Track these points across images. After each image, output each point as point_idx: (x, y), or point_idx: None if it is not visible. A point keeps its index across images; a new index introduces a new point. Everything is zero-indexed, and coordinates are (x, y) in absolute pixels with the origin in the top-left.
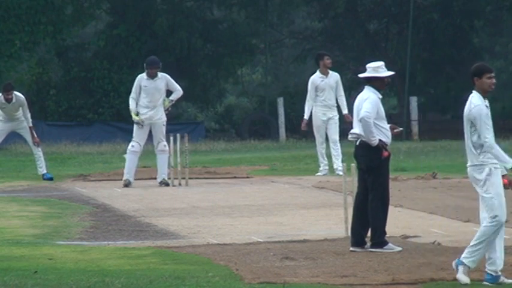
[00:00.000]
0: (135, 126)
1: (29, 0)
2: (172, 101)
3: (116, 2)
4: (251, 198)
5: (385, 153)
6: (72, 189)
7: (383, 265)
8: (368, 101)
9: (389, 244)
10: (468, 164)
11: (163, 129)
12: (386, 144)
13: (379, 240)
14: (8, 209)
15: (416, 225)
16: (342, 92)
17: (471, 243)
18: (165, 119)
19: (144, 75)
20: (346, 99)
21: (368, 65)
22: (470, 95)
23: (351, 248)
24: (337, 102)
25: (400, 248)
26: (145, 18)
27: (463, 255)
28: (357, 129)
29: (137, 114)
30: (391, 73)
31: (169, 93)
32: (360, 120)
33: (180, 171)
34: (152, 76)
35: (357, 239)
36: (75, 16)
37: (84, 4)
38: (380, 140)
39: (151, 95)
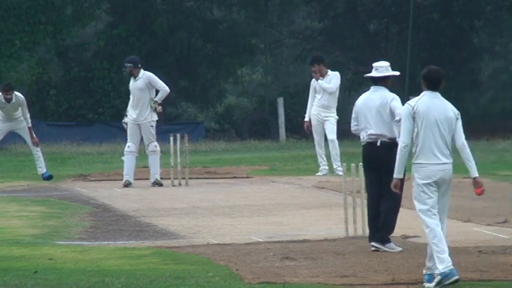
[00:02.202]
0: (128, 127)
1: (29, 0)
2: (156, 101)
3: (116, 2)
4: (251, 198)
5: None
6: (72, 189)
7: (383, 265)
8: (398, 101)
9: (391, 243)
10: (449, 161)
11: (151, 130)
12: None
13: (385, 237)
14: (8, 209)
15: (416, 225)
16: (331, 84)
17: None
18: (151, 119)
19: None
20: (345, 99)
21: (380, 64)
22: (439, 94)
23: (373, 248)
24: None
25: (400, 249)
26: (145, 18)
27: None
28: (374, 129)
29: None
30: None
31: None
32: (400, 121)
33: (180, 171)
34: (134, 76)
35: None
36: (75, 16)
37: (84, 4)
38: None
39: (134, 95)
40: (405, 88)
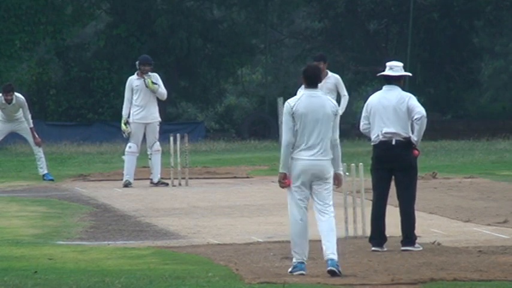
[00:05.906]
0: (129, 127)
1: (29, 0)
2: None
3: (116, 2)
4: (251, 198)
5: (416, 152)
6: (72, 189)
7: (383, 265)
8: (415, 99)
9: (417, 243)
10: (326, 157)
11: (158, 129)
12: None
13: (413, 238)
14: (8, 209)
15: (417, 225)
16: (344, 92)
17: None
18: (159, 119)
19: (134, 76)
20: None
21: (394, 64)
22: (318, 92)
23: (373, 248)
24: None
25: (421, 248)
26: (145, 18)
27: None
28: (390, 128)
29: (126, 123)
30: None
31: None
32: (420, 119)
33: (180, 171)
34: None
35: (382, 240)
36: (75, 16)
37: (84, 4)
38: None
39: (143, 94)
40: (405, 88)
